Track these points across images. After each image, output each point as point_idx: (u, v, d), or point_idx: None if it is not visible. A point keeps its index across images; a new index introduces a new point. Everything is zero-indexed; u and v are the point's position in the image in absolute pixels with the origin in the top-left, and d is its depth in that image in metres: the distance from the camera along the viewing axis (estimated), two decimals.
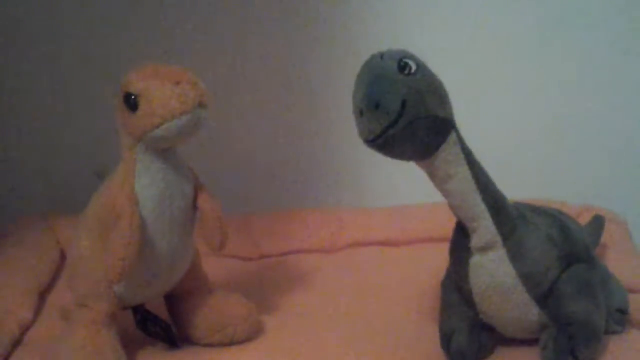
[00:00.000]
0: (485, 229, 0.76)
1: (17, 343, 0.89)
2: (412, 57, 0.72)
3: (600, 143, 1.20)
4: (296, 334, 0.90)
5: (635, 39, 1.16)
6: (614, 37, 1.16)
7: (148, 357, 0.87)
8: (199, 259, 0.91)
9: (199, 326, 0.88)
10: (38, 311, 0.96)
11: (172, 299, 0.90)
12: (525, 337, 0.82)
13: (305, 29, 1.19)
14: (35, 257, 1.05)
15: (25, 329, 0.92)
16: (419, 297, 0.96)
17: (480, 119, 1.10)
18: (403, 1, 1.17)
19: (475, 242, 0.77)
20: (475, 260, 0.78)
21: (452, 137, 0.73)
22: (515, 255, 0.77)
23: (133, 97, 0.78)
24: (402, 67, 0.71)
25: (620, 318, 0.83)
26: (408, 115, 0.69)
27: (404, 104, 0.69)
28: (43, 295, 1.00)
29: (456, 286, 0.82)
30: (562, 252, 0.79)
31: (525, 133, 1.20)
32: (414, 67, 0.71)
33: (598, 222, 0.99)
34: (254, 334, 0.89)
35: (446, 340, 0.82)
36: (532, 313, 0.79)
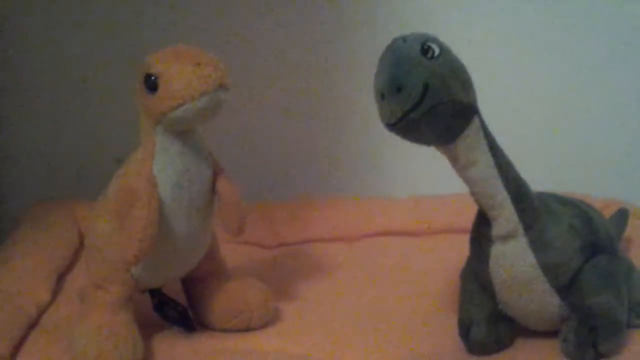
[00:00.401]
0: (506, 217, 0.75)
1: (33, 324, 0.89)
2: (435, 41, 0.71)
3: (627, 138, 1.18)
4: (313, 322, 0.89)
5: None
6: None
7: (164, 340, 0.87)
8: (217, 243, 0.91)
9: (216, 311, 0.88)
10: (56, 293, 0.96)
11: (190, 283, 0.90)
12: (545, 328, 0.81)
13: (325, 14, 1.18)
14: (54, 240, 1.05)
15: (42, 311, 0.92)
16: (439, 288, 0.95)
17: (504, 109, 1.09)
18: None
19: (497, 230, 0.76)
20: (496, 249, 0.77)
21: (475, 122, 0.72)
22: (537, 245, 0.76)
23: (152, 78, 0.77)
24: (425, 50, 0.70)
25: None
26: (430, 99, 0.69)
27: (426, 88, 0.68)
28: (61, 278, 1.00)
29: (476, 276, 0.81)
30: (584, 242, 0.78)
31: (550, 125, 1.20)
32: (436, 51, 0.70)
33: (622, 215, 0.97)
34: (270, 320, 0.89)
35: (465, 331, 0.81)
36: (553, 304, 0.78)
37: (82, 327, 0.82)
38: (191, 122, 0.79)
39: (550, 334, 0.81)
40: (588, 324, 0.76)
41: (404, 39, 0.71)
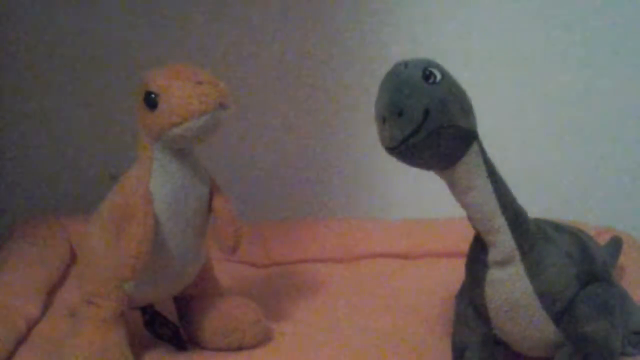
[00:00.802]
0: (503, 242, 0.75)
1: (23, 339, 0.88)
2: (437, 66, 0.71)
3: (621, 164, 1.19)
4: (305, 342, 0.89)
5: None
6: None
7: (155, 358, 0.86)
8: (211, 262, 0.91)
9: (208, 329, 0.88)
10: (46, 308, 0.96)
11: (182, 301, 0.90)
12: (540, 354, 0.81)
13: (326, 34, 1.18)
14: (45, 255, 1.05)
15: (32, 326, 0.91)
16: (432, 311, 0.95)
17: (502, 135, 1.10)
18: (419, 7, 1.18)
19: (493, 255, 0.76)
20: (492, 274, 0.77)
21: (474, 147, 0.73)
22: (533, 271, 0.76)
23: (153, 95, 0.78)
24: (427, 75, 0.70)
25: (636, 340, 0.82)
26: (430, 124, 0.69)
27: (426, 113, 0.68)
28: (52, 293, 1.00)
29: (471, 300, 0.81)
30: (580, 270, 0.78)
31: (544, 152, 1.20)
32: (438, 76, 0.70)
33: (616, 243, 0.98)
34: (262, 339, 0.89)
35: (458, 355, 0.81)
36: (548, 330, 0.78)
37: (72, 342, 0.82)
38: (190, 140, 0.79)
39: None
40: (582, 352, 0.76)
41: (405, 64, 0.71)
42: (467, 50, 1.17)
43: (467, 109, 0.72)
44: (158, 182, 0.81)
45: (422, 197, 1.11)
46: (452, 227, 1.08)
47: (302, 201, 1.23)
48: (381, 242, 1.13)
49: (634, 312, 0.83)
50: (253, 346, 0.88)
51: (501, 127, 1.11)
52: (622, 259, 0.99)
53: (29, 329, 0.90)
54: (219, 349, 0.87)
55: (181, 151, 0.81)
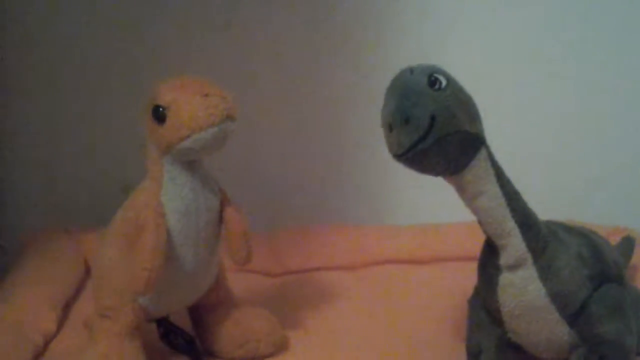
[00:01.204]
0: (514, 246, 0.75)
1: (40, 354, 0.89)
2: (442, 72, 0.71)
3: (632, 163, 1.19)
4: (320, 350, 0.89)
5: None
6: None
7: None
8: (224, 272, 0.91)
9: (223, 340, 0.88)
10: (61, 323, 0.96)
11: (196, 312, 0.90)
12: (554, 357, 0.80)
13: (331, 42, 1.19)
14: (59, 269, 1.05)
15: (49, 341, 0.92)
16: (445, 316, 0.95)
17: (507, 136, 1.10)
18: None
19: (505, 259, 0.76)
20: (504, 278, 0.77)
21: (482, 153, 0.73)
22: (545, 274, 0.76)
23: (161, 109, 0.78)
24: (432, 82, 0.70)
25: None
26: (437, 131, 0.69)
27: (433, 119, 0.69)
28: (67, 307, 1.00)
29: (484, 304, 0.81)
30: (593, 271, 0.78)
31: (553, 153, 1.20)
32: (443, 82, 0.70)
33: (628, 243, 0.97)
34: (277, 349, 0.89)
35: (473, 359, 0.81)
36: (562, 332, 0.78)
37: (88, 356, 0.82)
38: (199, 153, 0.79)
39: None
40: (597, 353, 0.76)
41: (411, 70, 0.71)
42: (468, 50, 1.17)
43: (473, 115, 0.72)
44: (169, 194, 0.81)
45: (432, 203, 1.10)
46: (462, 231, 1.08)
47: (312, 209, 1.23)
48: (392, 248, 1.13)
49: None
50: (268, 355, 0.88)
51: (507, 129, 1.12)
52: (635, 259, 0.98)
53: (46, 343, 0.91)
54: (235, 359, 0.88)
55: (191, 163, 0.81)
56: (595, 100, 1.19)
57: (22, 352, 0.86)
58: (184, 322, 0.90)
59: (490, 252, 0.77)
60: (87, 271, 1.07)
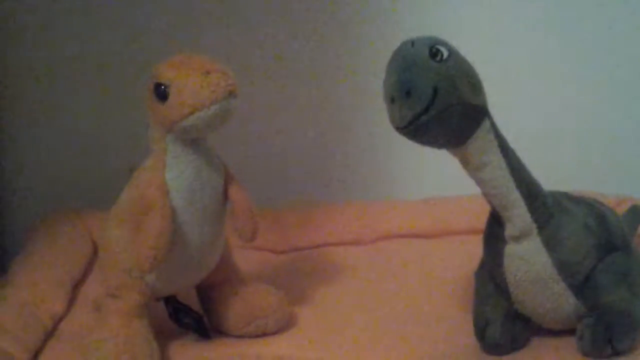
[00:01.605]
0: (519, 217, 0.75)
1: (49, 334, 0.89)
2: (444, 44, 0.71)
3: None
4: (328, 327, 0.89)
5: None
6: None
7: (180, 347, 0.87)
8: (230, 250, 0.91)
9: (231, 317, 0.88)
10: (70, 303, 0.97)
11: (204, 290, 0.90)
12: (562, 327, 0.81)
13: (334, 19, 1.18)
14: (67, 250, 1.06)
15: (58, 321, 0.92)
16: (452, 289, 0.95)
17: (512, 108, 1.09)
18: None
19: (510, 230, 0.76)
20: (510, 249, 0.77)
21: (486, 124, 0.72)
22: (551, 244, 0.76)
23: (162, 87, 0.78)
24: (434, 53, 0.70)
25: None
26: (440, 102, 0.69)
27: (435, 91, 0.68)
28: (76, 288, 1.00)
29: (490, 276, 0.81)
30: (598, 240, 0.77)
31: (558, 122, 1.19)
32: (445, 54, 0.70)
33: (635, 212, 0.97)
34: (285, 325, 0.89)
35: (480, 331, 0.81)
36: (569, 302, 0.78)
37: (97, 335, 0.82)
38: (202, 130, 0.79)
39: (566, 332, 0.80)
40: (604, 322, 0.76)
41: (412, 42, 0.71)
42: (472, 21, 1.17)
43: (476, 86, 0.71)
44: (173, 173, 0.81)
45: (437, 176, 1.10)
46: (468, 203, 1.08)
47: (318, 185, 1.23)
48: (398, 223, 1.13)
49: None
50: (276, 332, 0.88)
51: (512, 99, 1.11)
52: None
53: (55, 324, 0.91)
54: (243, 336, 0.88)
55: (194, 141, 0.81)
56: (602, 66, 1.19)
57: (32, 333, 0.86)
58: (192, 300, 0.91)
59: (495, 224, 0.77)
60: (95, 252, 1.07)
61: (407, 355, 0.82)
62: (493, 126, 0.73)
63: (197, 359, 0.85)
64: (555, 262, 0.76)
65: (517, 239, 0.76)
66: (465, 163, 0.74)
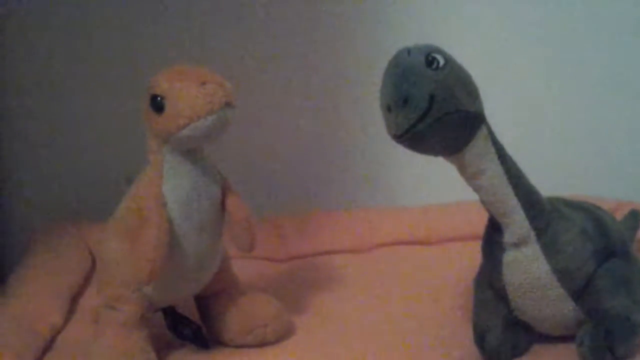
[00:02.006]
0: (518, 224, 0.75)
1: (48, 347, 0.89)
2: (440, 51, 0.71)
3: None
4: (327, 334, 0.89)
5: None
6: None
7: (179, 358, 0.86)
8: (228, 259, 0.91)
9: (229, 327, 0.88)
10: (69, 315, 0.96)
11: (202, 300, 0.90)
12: (561, 333, 0.80)
13: (334, 25, 1.18)
14: (65, 262, 1.05)
15: (56, 333, 0.92)
16: (452, 296, 0.95)
17: (511, 112, 1.09)
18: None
19: (508, 237, 0.76)
20: (509, 256, 0.76)
21: (482, 131, 0.72)
22: (550, 250, 0.76)
23: (159, 99, 0.78)
24: (430, 61, 0.70)
25: None
26: (436, 110, 0.68)
27: (432, 99, 0.68)
28: (74, 300, 1.00)
29: (489, 283, 0.81)
30: (597, 246, 0.77)
31: (558, 128, 1.19)
32: (441, 61, 0.70)
33: (634, 217, 0.97)
34: (284, 334, 0.89)
35: (480, 339, 0.81)
36: (568, 309, 0.78)
37: (96, 347, 0.82)
38: (198, 141, 0.79)
39: (566, 338, 0.80)
40: (604, 328, 0.76)
41: (408, 50, 0.71)
42: (472, 30, 1.17)
43: (473, 93, 0.71)
44: (170, 184, 0.81)
45: (436, 183, 1.10)
46: (467, 210, 1.08)
47: (315, 194, 1.23)
48: (397, 230, 1.13)
49: None
50: (275, 342, 0.88)
51: (508, 105, 1.11)
52: None
53: (53, 336, 0.91)
54: (242, 346, 0.87)
55: (191, 152, 0.81)
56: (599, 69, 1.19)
57: (30, 345, 0.86)
58: (190, 311, 0.90)
59: (494, 231, 0.77)
60: (93, 263, 1.07)
61: None
62: (490, 133, 0.73)
63: None
64: (554, 269, 0.76)
65: (516, 245, 0.76)
66: (463, 170, 0.74)
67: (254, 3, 1.18)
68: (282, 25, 1.19)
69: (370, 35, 1.18)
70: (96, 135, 1.22)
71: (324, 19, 1.18)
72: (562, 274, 0.76)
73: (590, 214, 0.80)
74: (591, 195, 1.03)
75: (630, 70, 1.18)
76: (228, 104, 0.77)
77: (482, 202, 0.76)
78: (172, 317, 0.89)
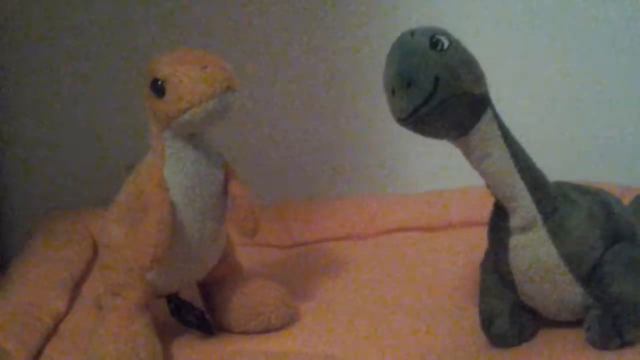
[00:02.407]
0: (524, 208, 0.74)
1: (51, 334, 0.89)
2: (444, 33, 0.70)
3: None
4: (331, 320, 0.89)
5: None
6: None
7: (183, 345, 0.86)
8: (232, 245, 0.91)
9: (233, 313, 0.87)
10: (71, 302, 0.96)
11: (206, 287, 0.90)
12: (568, 318, 0.80)
13: (329, 16, 1.17)
14: (68, 249, 1.05)
15: (59, 320, 0.92)
16: (458, 281, 0.94)
17: (515, 95, 1.09)
18: None
19: (515, 222, 0.75)
20: (515, 240, 0.76)
21: (488, 114, 0.71)
22: (557, 235, 0.75)
23: (159, 82, 0.77)
24: (434, 43, 0.69)
25: None
26: (441, 93, 0.68)
27: (436, 81, 0.67)
28: (77, 287, 1.00)
29: (496, 268, 0.80)
30: (605, 230, 0.77)
31: (561, 110, 1.18)
32: (446, 43, 0.69)
33: None
34: (288, 320, 0.88)
35: (487, 324, 0.80)
36: (575, 293, 0.77)
37: (99, 334, 0.82)
38: (200, 125, 0.78)
39: (573, 323, 0.80)
40: (612, 312, 0.75)
41: (411, 33, 0.70)
42: (477, 11, 1.16)
43: (478, 75, 0.70)
44: (172, 169, 0.80)
45: (440, 168, 1.10)
46: (472, 195, 1.07)
47: (320, 180, 1.23)
48: (401, 216, 1.12)
49: None
50: (279, 327, 0.87)
51: (514, 88, 1.11)
52: None
53: (56, 323, 0.91)
54: (246, 332, 0.87)
55: (193, 136, 0.80)
56: (605, 58, 1.18)
57: (33, 333, 0.86)
58: (194, 297, 0.90)
59: (500, 215, 0.77)
60: (95, 250, 1.07)
61: (412, 348, 0.82)
62: (496, 116, 0.72)
63: (200, 356, 0.84)
64: (561, 253, 0.75)
65: (522, 230, 0.75)
66: (469, 154, 0.73)
67: None
68: (287, 15, 1.18)
69: (373, 23, 1.17)
70: (97, 120, 1.22)
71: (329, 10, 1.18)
72: (570, 259, 0.75)
73: (597, 198, 0.79)
74: (596, 182, 1.02)
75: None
76: (229, 88, 0.76)
77: (488, 186, 0.75)
78: (176, 303, 0.88)
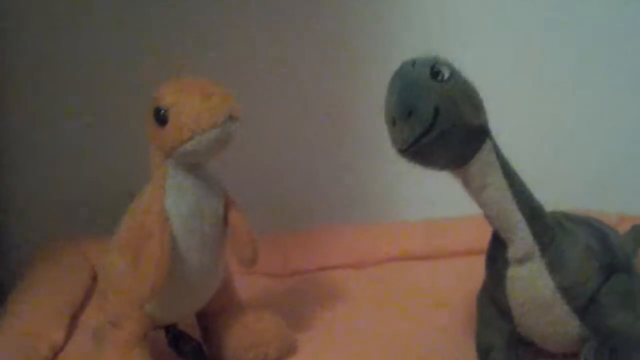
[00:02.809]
0: (522, 239, 0.75)
1: None
2: (445, 64, 0.71)
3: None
4: (329, 351, 0.89)
5: None
6: None
7: None
8: (230, 276, 0.90)
9: (231, 345, 0.87)
10: (69, 333, 0.95)
11: (204, 317, 0.89)
12: (565, 350, 0.80)
13: (336, 41, 1.18)
14: (66, 279, 1.04)
15: (57, 351, 0.91)
16: (455, 312, 0.94)
17: (512, 126, 1.09)
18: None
19: (512, 252, 0.75)
20: (513, 271, 0.76)
21: (487, 145, 0.72)
22: (554, 266, 0.75)
23: (162, 111, 0.77)
24: (435, 73, 0.69)
25: None
26: (441, 123, 0.68)
27: (436, 112, 0.68)
28: (75, 317, 0.99)
29: (493, 299, 0.81)
30: (601, 262, 0.77)
31: (557, 140, 1.19)
32: (446, 74, 0.70)
33: (637, 231, 0.96)
34: (286, 351, 0.88)
35: (484, 356, 0.80)
36: (572, 325, 0.77)
37: None
38: (202, 155, 0.78)
39: (570, 356, 0.80)
40: (609, 345, 0.76)
41: (413, 62, 0.71)
42: (474, 39, 1.17)
43: (477, 106, 0.71)
44: (173, 199, 0.80)
45: (438, 198, 1.09)
46: (469, 225, 1.07)
47: (318, 209, 1.23)
48: (399, 245, 1.12)
49: None
50: (277, 359, 0.87)
51: (511, 120, 1.11)
52: None
53: (55, 354, 0.90)
54: None
55: (194, 166, 0.80)
56: (605, 86, 1.19)
57: None
58: (192, 327, 0.90)
59: (497, 246, 0.77)
60: (94, 279, 1.06)
61: None
62: (495, 147, 0.73)
63: None
64: (558, 285, 0.76)
65: (520, 261, 0.75)
66: (467, 184, 0.73)
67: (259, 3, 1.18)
68: (283, 34, 1.19)
69: (377, 48, 1.18)
70: (98, 147, 1.21)
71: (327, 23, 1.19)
72: (567, 290, 0.76)
73: (594, 229, 0.80)
74: (593, 210, 1.02)
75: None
76: (232, 117, 0.77)
77: (486, 216, 0.75)
78: (174, 334, 0.88)
